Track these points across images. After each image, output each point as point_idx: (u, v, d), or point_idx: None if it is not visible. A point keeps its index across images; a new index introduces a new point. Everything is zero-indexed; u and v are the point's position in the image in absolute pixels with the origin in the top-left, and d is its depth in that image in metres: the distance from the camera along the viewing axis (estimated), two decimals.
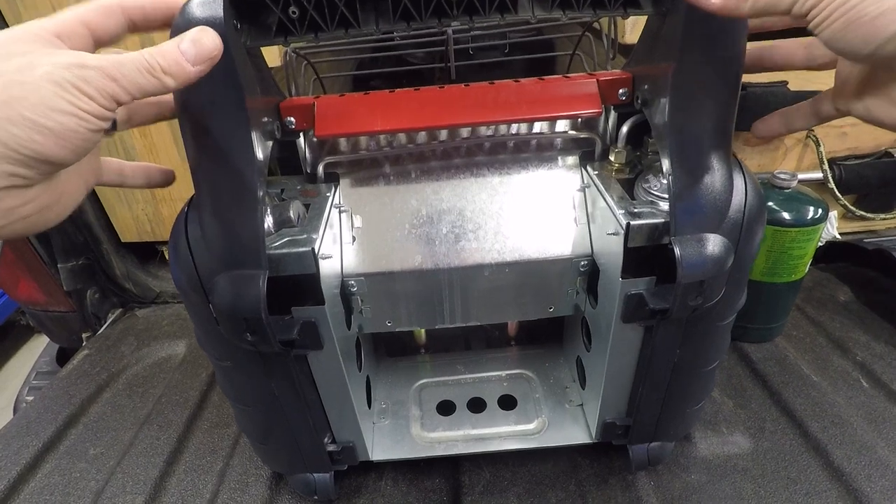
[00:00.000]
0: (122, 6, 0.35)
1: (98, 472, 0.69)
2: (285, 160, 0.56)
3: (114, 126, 0.35)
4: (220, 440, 0.72)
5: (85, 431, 0.76)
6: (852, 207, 0.88)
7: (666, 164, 0.43)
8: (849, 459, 0.62)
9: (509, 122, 0.52)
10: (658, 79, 0.44)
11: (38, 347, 1.15)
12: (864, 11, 0.30)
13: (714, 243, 0.43)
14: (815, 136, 0.86)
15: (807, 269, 0.74)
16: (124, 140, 0.87)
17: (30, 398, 1.00)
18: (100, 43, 0.35)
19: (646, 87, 0.47)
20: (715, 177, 0.43)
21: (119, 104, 0.30)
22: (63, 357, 1.08)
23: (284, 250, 0.44)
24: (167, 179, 0.47)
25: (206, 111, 0.41)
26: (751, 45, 0.43)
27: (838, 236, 0.77)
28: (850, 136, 0.89)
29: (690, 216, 0.42)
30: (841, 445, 0.64)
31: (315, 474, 0.60)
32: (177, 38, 0.32)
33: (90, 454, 0.72)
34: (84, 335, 1.01)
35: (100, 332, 0.99)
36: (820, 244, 0.73)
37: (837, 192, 0.85)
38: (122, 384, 0.84)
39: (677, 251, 0.42)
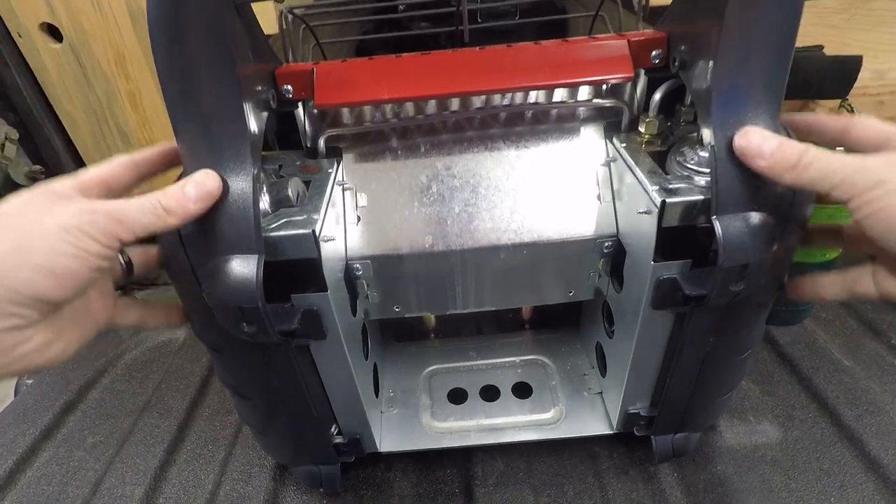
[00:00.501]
0: (134, 162, 0.40)
1: (97, 461, 0.66)
2: (283, 134, 0.52)
3: (131, 270, 0.42)
4: (222, 428, 0.69)
5: (83, 419, 0.73)
6: None
7: (707, 135, 0.38)
8: (886, 450, 0.59)
9: (529, 89, 0.48)
10: (700, 38, 0.39)
11: None
12: None
13: (760, 223, 0.38)
14: (849, 104, 0.80)
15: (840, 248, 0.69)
16: (116, 115, 0.83)
17: (30, 381, 0.98)
18: (113, 195, 0.38)
19: (683, 48, 0.42)
20: None
21: (123, 243, 0.33)
22: None
23: (282, 232, 0.40)
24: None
25: (190, 78, 0.36)
26: None
27: None
28: (886, 104, 0.83)
29: (734, 192, 0.38)
30: (877, 435, 0.60)
31: (320, 466, 0.58)
32: (182, 182, 0.35)
33: (88, 442, 0.69)
34: None
35: None
36: None
37: None
38: (121, 369, 0.81)
39: (719, 232, 0.37)
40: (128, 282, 0.43)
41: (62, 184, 0.36)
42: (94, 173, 0.38)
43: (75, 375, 0.79)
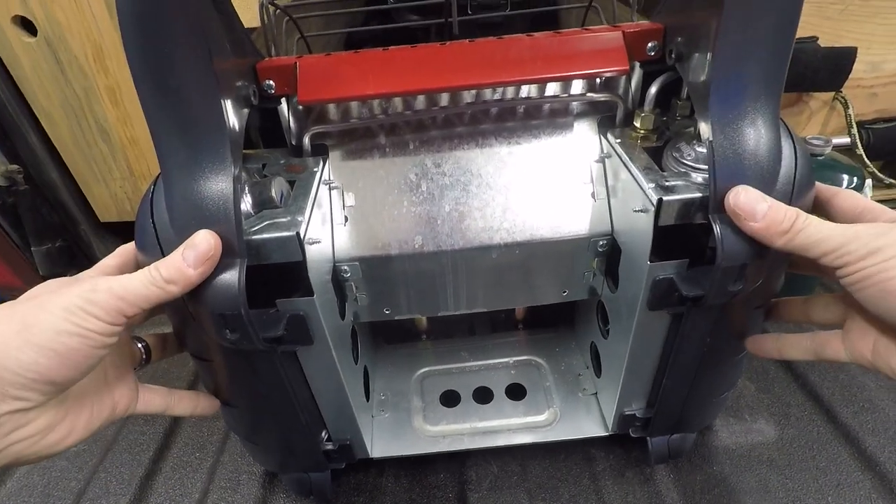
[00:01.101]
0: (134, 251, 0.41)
1: (79, 470, 0.64)
2: (267, 131, 0.50)
3: (148, 358, 0.44)
4: (209, 434, 0.67)
5: None
6: (881, 174, 0.82)
7: (705, 130, 0.37)
8: (882, 448, 0.58)
9: (521, 83, 0.46)
10: (698, 30, 0.37)
11: None
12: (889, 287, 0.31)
13: None
14: (843, 97, 0.80)
15: None
16: (95, 111, 0.80)
17: None
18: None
19: (680, 39, 0.40)
20: (762, 144, 0.37)
21: (127, 318, 0.33)
22: None
23: (265, 235, 0.38)
24: (213, 407, 0.48)
25: (164, 74, 0.34)
26: None
27: None
28: (880, 97, 0.83)
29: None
30: (873, 433, 0.60)
31: (310, 473, 0.56)
32: (182, 247, 0.35)
33: (71, 451, 0.67)
34: None
35: None
36: None
37: (866, 158, 0.79)
38: None
39: (717, 230, 0.36)
40: (145, 367, 0.44)
41: (86, 273, 0.39)
42: (110, 262, 0.41)
43: None
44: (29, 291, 0.35)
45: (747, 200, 0.35)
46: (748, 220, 0.35)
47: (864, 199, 0.39)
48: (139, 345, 0.44)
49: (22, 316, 0.31)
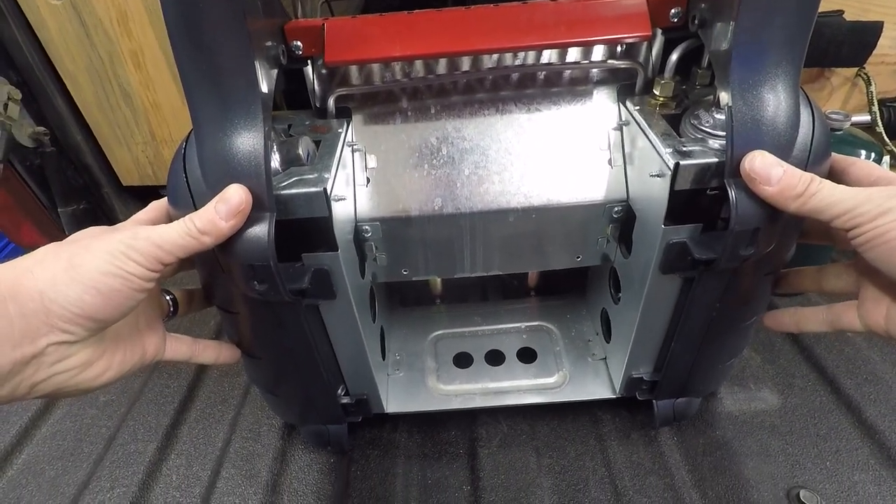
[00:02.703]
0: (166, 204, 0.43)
1: (109, 418, 0.68)
2: (292, 93, 0.51)
3: (176, 307, 0.46)
4: (230, 389, 0.70)
5: None
6: None
7: (725, 97, 0.37)
8: (882, 417, 0.60)
9: (543, 47, 0.47)
10: None
11: None
12: None
13: None
14: (866, 73, 0.79)
15: None
16: (119, 75, 0.81)
17: None
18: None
19: (704, 5, 0.40)
20: (780, 111, 0.37)
21: (163, 265, 0.36)
22: None
23: (293, 190, 0.39)
24: (235, 356, 0.51)
25: (200, 32, 0.36)
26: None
27: None
28: None
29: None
30: (875, 402, 0.62)
31: (328, 426, 0.59)
32: (214, 200, 0.37)
33: (101, 401, 0.71)
34: None
35: None
36: None
37: (885, 136, 0.79)
38: None
39: (732, 195, 0.37)
40: (172, 319, 0.47)
41: (123, 224, 0.41)
42: (143, 216, 0.43)
43: None
44: (73, 235, 0.37)
45: (763, 165, 0.36)
46: (763, 184, 0.36)
47: (880, 168, 0.40)
48: (168, 297, 0.46)
49: (69, 256, 0.34)
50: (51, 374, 0.34)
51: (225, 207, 0.36)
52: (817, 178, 0.36)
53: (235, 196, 0.36)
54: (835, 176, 0.42)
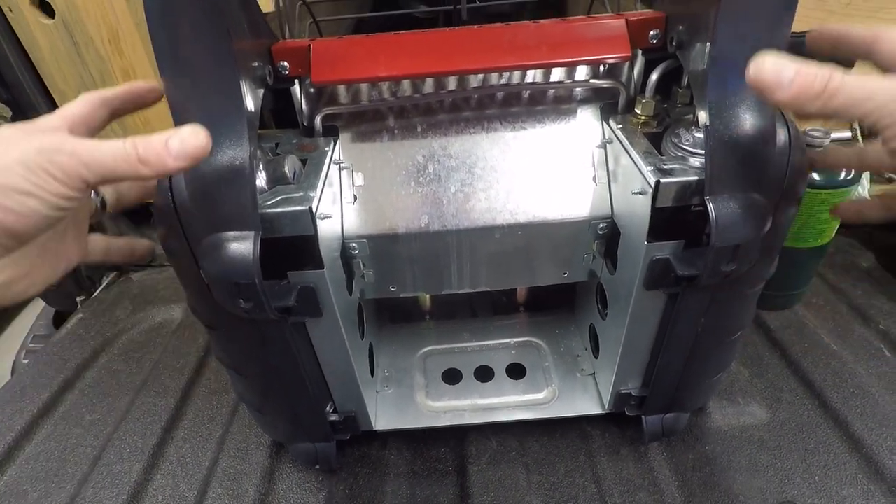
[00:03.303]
0: (103, 99, 0.38)
1: (95, 438, 0.67)
2: (280, 112, 0.52)
3: (104, 207, 0.42)
4: (218, 407, 0.70)
5: (81, 397, 0.73)
6: None
7: (703, 116, 0.38)
8: (870, 431, 0.60)
9: (527, 68, 0.47)
10: (698, 18, 0.39)
11: (38, 310, 1.13)
12: None
13: (752, 204, 0.38)
14: None
15: (834, 233, 0.70)
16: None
17: (26, 361, 0.98)
18: (91, 132, 0.38)
19: (681, 28, 0.42)
20: (757, 130, 0.38)
21: (89, 186, 0.32)
22: (59, 320, 1.06)
23: (279, 209, 0.40)
24: (148, 250, 0.48)
25: (186, 53, 0.36)
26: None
27: (869, 199, 0.73)
28: None
29: (728, 173, 0.38)
30: (862, 417, 0.62)
31: (316, 444, 0.58)
32: (167, 133, 0.32)
33: (86, 420, 0.70)
34: (78, 298, 0.98)
35: (94, 295, 0.96)
36: None
37: None
38: (118, 349, 0.81)
39: (712, 212, 0.38)
40: (100, 219, 0.43)
41: (48, 119, 0.35)
42: (75, 110, 0.37)
43: (72, 354, 0.80)
44: None
45: (773, 69, 0.30)
46: (775, 91, 0.30)
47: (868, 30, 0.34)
48: (95, 197, 0.42)
49: None
50: None
51: (178, 146, 0.32)
52: (838, 71, 0.30)
53: (193, 139, 0.32)
54: (863, 55, 0.37)
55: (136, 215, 1.01)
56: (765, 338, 0.74)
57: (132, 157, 0.31)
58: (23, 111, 0.83)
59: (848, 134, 0.80)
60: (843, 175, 0.64)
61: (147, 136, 0.32)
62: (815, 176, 0.65)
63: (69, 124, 0.36)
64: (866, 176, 0.72)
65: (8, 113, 0.80)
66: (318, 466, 0.60)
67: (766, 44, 0.37)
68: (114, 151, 0.31)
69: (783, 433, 0.62)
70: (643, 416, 0.59)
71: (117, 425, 0.68)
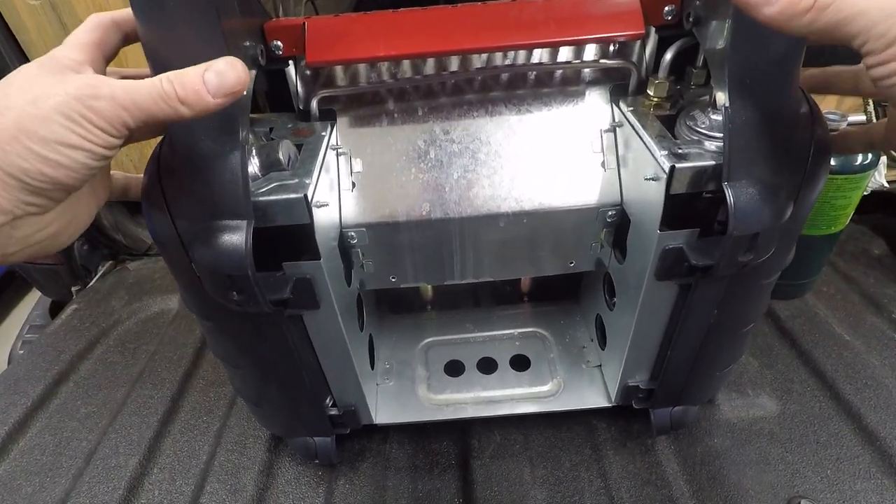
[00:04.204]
0: (115, 22, 0.36)
1: (90, 431, 0.66)
2: (275, 94, 0.50)
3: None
4: (216, 399, 0.68)
5: (76, 389, 0.72)
6: None
7: (722, 97, 0.36)
8: (883, 423, 0.59)
9: (533, 46, 0.45)
10: None
11: (35, 300, 1.11)
12: None
13: (772, 190, 0.36)
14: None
15: (848, 220, 0.68)
16: None
17: (22, 352, 0.97)
18: (107, 59, 0.36)
19: (699, 3, 0.39)
20: (779, 113, 0.36)
21: (129, 130, 0.30)
22: (56, 310, 1.04)
23: (272, 197, 0.38)
24: None
25: (172, 34, 0.34)
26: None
27: (886, 185, 0.71)
28: None
29: (747, 157, 0.36)
30: (875, 408, 0.60)
31: (315, 438, 0.57)
32: (202, 66, 0.31)
33: (81, 413, 0.69)
34: (73, 288, 0.96)
35: (90, 285, 0.94)
36: (865, 193, 0.67)
37: None
38: (114, 340, 0.80)
39: (730, 199, 0.36)
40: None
41: (65, 51, 0.33)
42: (89, 37, 0.34)
43: (67, 346, 0.78)
44: (8, 81, 0.30)
45: None
46: (761, 6, 0.29)
47: None
48: None
49: (16, 119, 0.28)
50: (24, 247, 0.31)
51: (216, 80, 0.30)
52: None
53: (231, 72, 0.31)
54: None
55: (133, 204, 0.98)
56: (775, 328, 0.72)
57: (172, 97, 0.30)
58: None
59: (863, 117, 0.77)
60: (859, 160, 0.62)
61: (181, 72, 0.30)
62: (832, 161, 0.62)
63: (89, 56, 0.34)
64: (883, 161, 0.70)
65: None
66: (317, 461, 0.59)
67: None
68: (152, 92, 0.30)
69: (794, 426, 0.60)
70: (651, 409, 0.57)
71: (113, 418, 0.67)
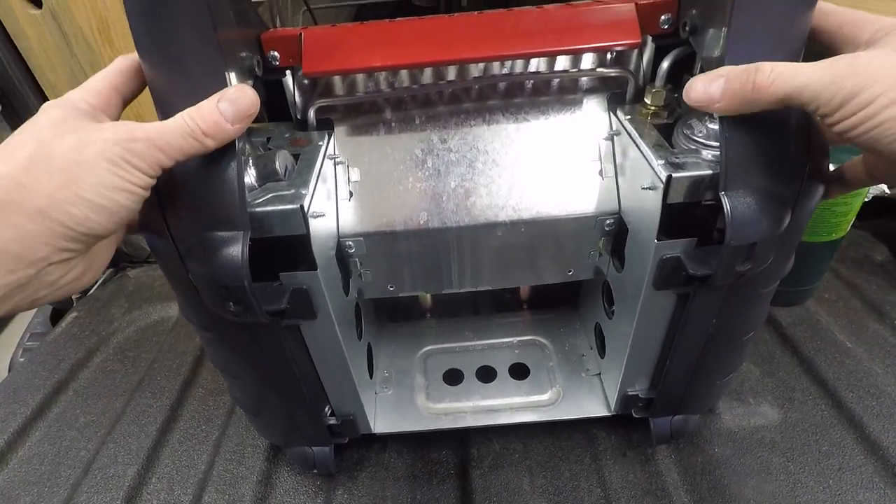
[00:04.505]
0: (138, 67, 0.37)
1: (89, 440, 0.66)
2: (272, 104, 0.50)
3: None
4: (215, 408, 0.68)
5: (75, 398, 0.72)
6: None
7: None
8: (886, 432, 0.58)
9: (530, 56, 0.45)
10: (713, 1, 0.36)
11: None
12: (886, 133, 0.28)
13: (770, 199, 0.36)
14: None
15: (849, 227, 0.67)
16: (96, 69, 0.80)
17: (23, 359, 0.97)
18: (125, 103, 0.37)
19: (695, 12, 0.39)
20: (775, 121, 0.36)
21: (163, 170, 0.32)
22: (56, 317, 1.04)
23: (269, 207, 0.38)
24: None
25: (168, 44, 0.34)
26: None
27: (888, 191, 0.70)
28: None
29: (744, 166, 0.36)
30: (878, 417, 0.60)
31: (314, 447, 0.57)
32: (215, 97, 0.33)
33: (80, 422, 0.68)
34: (73, 296, 0.96)
35: (90, 292, 0.94)
36: (866, 200, 0.66)
37: None
38: (113, 348, 0.80)
39: (727, 208, 0.36)
40: None
41: (79, 97, 0.34)
42: (104, 82, 0.36)
43: (66, 354, 0.78)
44: (38, 126, 0.31)
45: (702, 90, 0.33)
46: (712, 105, 0.33)
47: (877, 19, 0.33)
48: None
49: (62, 166, 0.29)
50: (51, 291, 0.32)
51: (232, 109, 0.33)
52: (767, 64, 0.31)
53: (243, 98, 0.33)
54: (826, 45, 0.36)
55: None
56: (776, 335, 0.72)
57: (197, 133, 0.32)
58: (11, 103, 0.81)
59: None
60: None
61: (197, 107, 0.33)
62: (832, 166, 0.62)
63: (105, 102, 0.35)
64: None
65: None
66: (315, 470, 0.58)
67: (787, 28, 0.34)
68: (180, 131, 0.32)
69: (795, 435, 0.60)
70: (651, 419, 0.57)
71: (112, 427, 0.67)
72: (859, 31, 0.33)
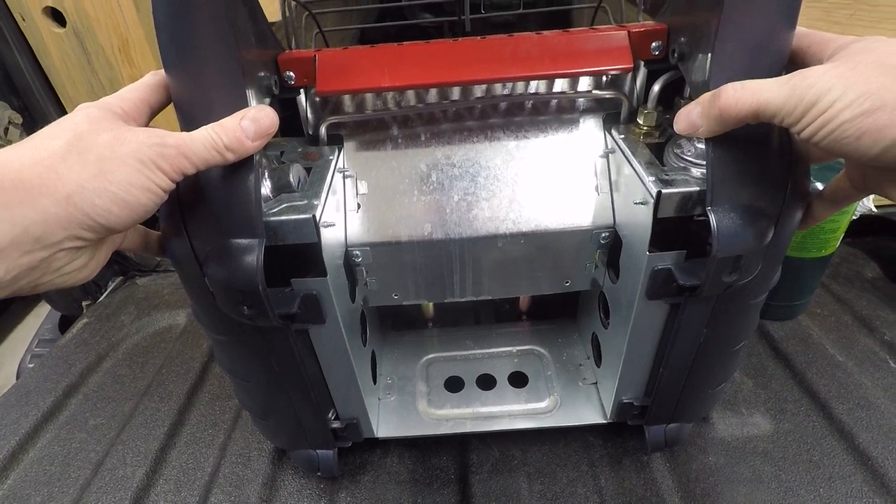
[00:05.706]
0: (165, 83, 0.39)
1: (98, 443, 0.67)
2: (286, 120, 0.52)
3: None
4: (221, 413, 0.70)
5: (85, 401, 0.74)
6: None
7: None
8: (875, 443, 0.60)
9: (529, 79, 0.48)
10: (700, 30, 0.39)
11: (44, 313, 1.14)
12: (845, 134, 0.30)
13: (754, 214, 0.38)
14: None
15: (838, 244, 0.70)
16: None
17: (31, 365, 0.99)
18: (153, 114, 0.40)
19: (683, 39, 0.42)
20: (758, 140, 0.38)
21: (185, 177, 0.35)
22: (65, 324, 1.06)
23: (283, 217, 0.40)
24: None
25: (194, 62, 0.37)
26: None
27: (874, 209, 0.73)
28: None
29: (729, 183, 0.38)
30: (867, 428, 0.61)
31: (318, 451, 0.58)
32: (238, 115, 0.36)
33: (90, 424, 0.70)
34: (84, 303, 0.98)
35: (100, 300, 0.97)
36: (854, 217, 0.69)
37: None
38: (122, 354, 0.82)
39: (713, 223, 0.38)
40: None
41: (114, 103, 0.36)
42: (137, 94, 0.38)
43: (77, 359, 0.80)
44: (75, 121, 0.33)
45: (684, 118, 0.37)
46: (695, 131, 0.37)
47: (814, 34, 0.37)
48: None
49: (97, 158, 0.31)
50: (54, 277, 0.33)
51: (253, 127, 0.35)
52: (729, 85, 0.34)
53: (266, 119, 0.36)
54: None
55: (149, 221, 1.01)
56: (769, 348, 0.74)
57: (220, 146, 0.35)
58: (33, 118, 0.85)
59: None
60: None
61: (221, 123, 0.35)
62: (819, 185, 0.64)
63: (135, 112, 0.37)
64: None
65: (19, 119, 0.81)
66: (319, 473, 0.60)
67: (767, 55, 0.37)
68: (205, 143, 0.34)
69: (787, 444, 0.61)
70: (645, 427, 0.58)
71: (120, 430, 0.68)
72: (824, 48, 0.35)
